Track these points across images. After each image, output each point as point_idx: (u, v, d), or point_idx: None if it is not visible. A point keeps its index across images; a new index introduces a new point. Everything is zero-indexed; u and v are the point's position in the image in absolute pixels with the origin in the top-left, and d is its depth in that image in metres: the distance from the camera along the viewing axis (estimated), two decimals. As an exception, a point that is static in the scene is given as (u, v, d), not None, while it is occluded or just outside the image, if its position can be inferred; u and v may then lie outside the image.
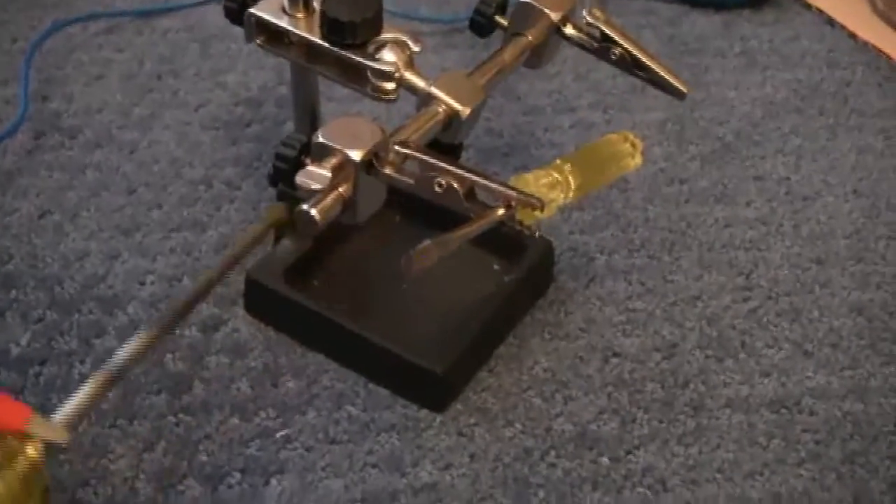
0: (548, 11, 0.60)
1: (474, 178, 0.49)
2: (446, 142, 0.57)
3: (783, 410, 0.60)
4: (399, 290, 0.63)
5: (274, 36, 0.59)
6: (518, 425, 0.58)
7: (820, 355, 0.63)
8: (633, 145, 0.58)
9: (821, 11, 0.89)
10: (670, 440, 0.58)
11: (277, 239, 0.62)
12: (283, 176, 0.51)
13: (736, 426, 0.59)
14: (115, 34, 0.84)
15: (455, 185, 0.49)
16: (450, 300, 0.62)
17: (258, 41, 0.59)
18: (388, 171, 0.50)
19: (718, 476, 0.56)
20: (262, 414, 0.58)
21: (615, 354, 0.62)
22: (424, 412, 0.59)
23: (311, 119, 0.64)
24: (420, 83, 0.56)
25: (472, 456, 0.57)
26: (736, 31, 0.87)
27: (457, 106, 0.55)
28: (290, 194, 0.51)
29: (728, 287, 0.66)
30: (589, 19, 0.60)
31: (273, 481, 0.55)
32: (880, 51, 0.86)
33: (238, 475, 0.55)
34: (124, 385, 0.58)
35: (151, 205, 0.70)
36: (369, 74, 0.56)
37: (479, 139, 0.75)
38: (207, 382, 0.59)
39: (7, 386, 0.58)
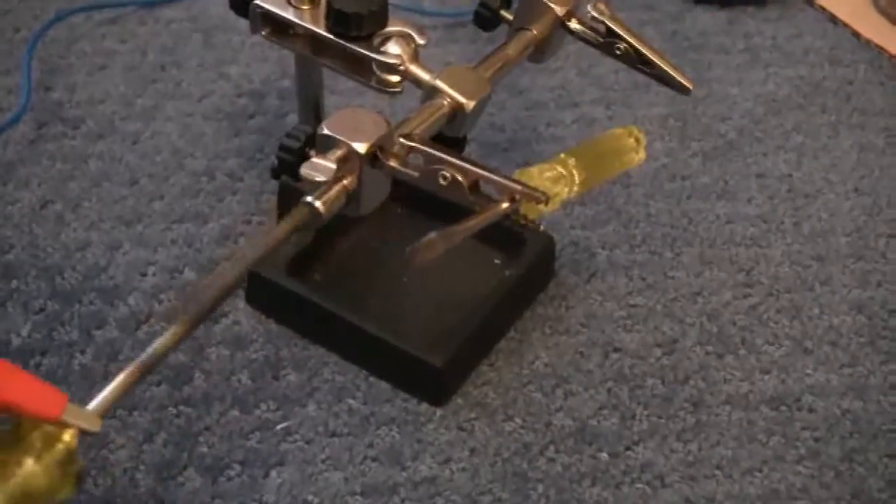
0: (553, 6, 0.60)
1: (479, 171, 0.49)
2: (451, 135, 0.57)
3: (783, 407, 0.60)
4: (400, 283, 0.63)
5: (279, 27, 0.59)
6: (518, 420, 0.58)
7: (820, 353, 0.63)
8: (637, 140, 0.58)
9: (824, 9, 0.89)
10: (669, 436, 0.58)
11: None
12: (287, 167, 0.50)
13: (735, 423, 0.59)
14: (118, 24, 0.83)
15: (459, 178, 0.49)
16: (451, 294, 0.62)
17: (263, 33, 0.59)
18: (392, 163, 0.50)
19: (717, 472, 0.56)
20: (263, 406, 0.58)
21: (616, 350, 0.62)
22: (425, 406, 0.59)
23: (314, 111, 0.64)
24: (425, 76, 0.56)
25: (471, 450, 0.57)
26: (739, 27, 0.87)
27: (461, 99, 0.55)
28: (293, 186, 0.51)
29: (729, 283, 0.66)
30: (594, 14, 0.60)
31: (273, 473, 0.55)
32: (882, 49, 0.86)
33: (238, 467, 0.55)
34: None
35: (153, 196, 0.70)
36: (374, 67, 0.56)
37: (481, 133, 0.75)
38: (208, 374, 0.60)
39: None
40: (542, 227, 0.62)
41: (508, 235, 0.63)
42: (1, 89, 0.77)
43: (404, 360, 0.58)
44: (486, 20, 0.62)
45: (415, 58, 0.56)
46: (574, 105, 0.79)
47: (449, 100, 0.55)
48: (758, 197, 0.72)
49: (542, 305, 0.64)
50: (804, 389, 0.61)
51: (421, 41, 0.56)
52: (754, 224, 0.71)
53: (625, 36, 0.60)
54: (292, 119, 0.73)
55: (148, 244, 0.66)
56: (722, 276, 0.67)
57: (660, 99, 0.78)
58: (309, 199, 0.48)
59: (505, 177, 0.49)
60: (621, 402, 0.60)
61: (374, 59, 0.56)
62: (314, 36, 0.57)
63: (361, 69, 0.57)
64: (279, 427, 0.57)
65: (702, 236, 0.69)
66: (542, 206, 0.48)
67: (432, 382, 0.59)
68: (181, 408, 0.58)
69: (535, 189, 0.48)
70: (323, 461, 0.56)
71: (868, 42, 0.86)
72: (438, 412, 0.58)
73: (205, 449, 0.56)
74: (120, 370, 0.42)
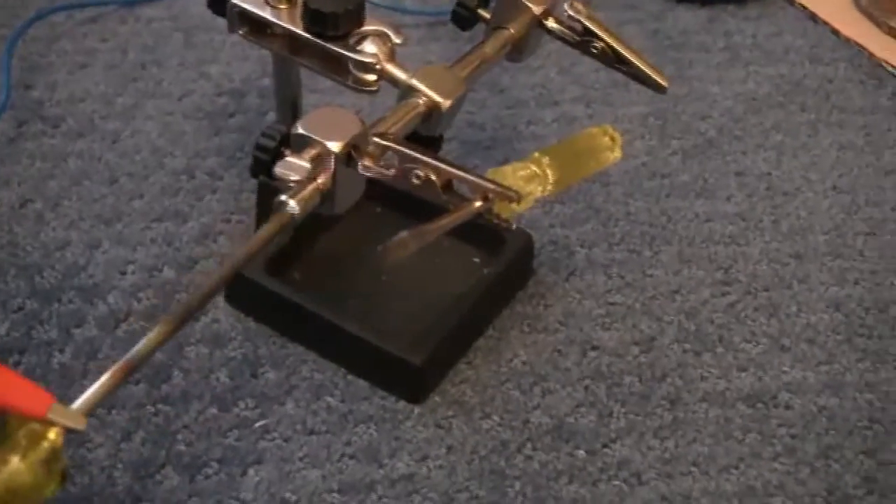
0: (530, 5, 0.60)
1: (451, 170, 0.49)
2: (427, 134, 0.57)
3: (759, 405, 0.60)
4: (379, 281, 0.63)
5: (256, 26, 0.59)
6: (495, 417, 0.58)
7: (797, 350, 0.63)
8: (613, 139, 0.58)
9: (804, 7, 0.90)
10: (647, 433, 0.58)
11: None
12: (262, 166, 0.51)
13: (712, 420, 0.59)
14: (98, 23, 0.83)
15: (432, 177, 0.49)
16: (429, 292, 0.62)
17: (241, 32, 0.59)
18: (366, 162, 0.50)
19: (694, 469, 0.57)
20: (241, 404, 0.58)
21: (594, 348, 0.62)
22: (402, 404, 0.59)
23: (292, 110, 0.64)
24: (401, 75, 0.56)
25: (449, 448, 0.57)
26: (720, 26, 0.88)
27: (437, 98, 0.55)
28: (271, 185, 0.51)
29: (707, 281, 0.67)
30: (570, 13, 0.60)
31: (251, 471, 0.55)
32: (862, 47, 0.86)
33: (216, 465, 0.56)
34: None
35: (133, 194, 0.70)
36: (350, 66, 0.56)
37: (461, 132, 0.75)
38: (186, 372, 0.60)
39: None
40: (514, 226, 0.62)
41: (487, 234, 0.63)
42: (-19, 88, 0.77)
43: (382, 358, 0.59)
44: (463, 19, 0.62)
45: (391, 57, 0.56)
46: (554, 103, 0.79)
47: (425, 99, 0.55)
48: (737, 195, 0.73)
49: (521, 303, 0.65)
50: (781, 387, 0.61)
51: (397, 40, 0.57)
52: (733, 222, 0.71)
53: (601, 35, 0.60)
54: (272, 118, 0.73)
55: (127, 243, 0.67)
56: (700, 274, 0.67)
57: (640, 97, 0.79)
58: (283, 197, 0.48)
59: (478, 176, 0.49)
60: (599, 399, 0.60)
61: (350, 59, 0.56)
62: (291, 35, 0.57)
63: (338, 68, 0.57)
64: (257, 425, 0.57)
65: (680, 234, 0.70)
66: (514, 205, 0.48)
67: (411, 381, 0.59)
68: (159, 406, 0.58)
69: (508, 188, 0.48)
70: (301, 459, 0.56)
71: (848, 41, 0.87)
72: (416, 410, 0.59)
73: (183, 447, 0.56)
74: (104, 369, 0.42)
